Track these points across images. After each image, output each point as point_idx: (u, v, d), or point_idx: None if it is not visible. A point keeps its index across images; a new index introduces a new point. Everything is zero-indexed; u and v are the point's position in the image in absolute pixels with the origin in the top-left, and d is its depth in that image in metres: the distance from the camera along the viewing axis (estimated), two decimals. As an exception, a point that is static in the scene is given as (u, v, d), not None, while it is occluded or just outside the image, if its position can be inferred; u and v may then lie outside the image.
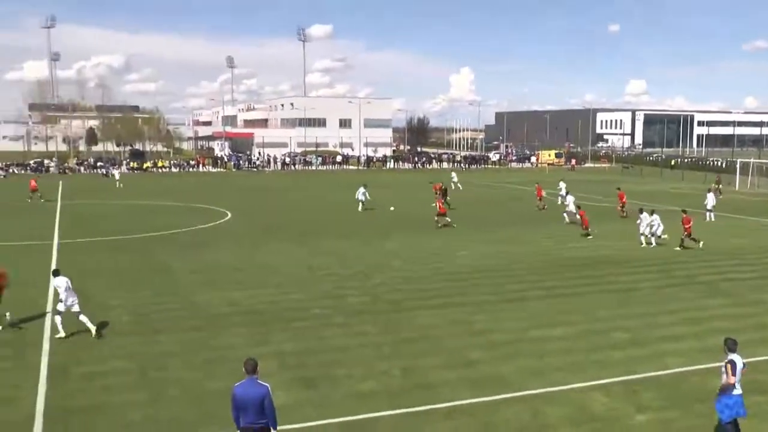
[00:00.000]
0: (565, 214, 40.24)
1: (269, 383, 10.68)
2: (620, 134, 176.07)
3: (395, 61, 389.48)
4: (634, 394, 14.51)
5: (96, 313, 20.62)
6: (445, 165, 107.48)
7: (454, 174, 67.67)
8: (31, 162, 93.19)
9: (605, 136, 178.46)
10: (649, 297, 22.76)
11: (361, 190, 46.37)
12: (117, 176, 70.13)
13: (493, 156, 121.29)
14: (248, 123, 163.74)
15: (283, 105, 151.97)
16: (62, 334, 18.26)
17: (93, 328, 18.40)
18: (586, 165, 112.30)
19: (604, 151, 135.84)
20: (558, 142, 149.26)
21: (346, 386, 14.98)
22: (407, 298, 22.64)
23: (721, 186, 58.11)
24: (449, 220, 38.45)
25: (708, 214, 41.03)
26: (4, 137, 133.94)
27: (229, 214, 44.26)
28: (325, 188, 63.09)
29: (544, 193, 48.38)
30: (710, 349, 16.66)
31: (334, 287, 24.12)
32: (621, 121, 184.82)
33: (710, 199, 41.84)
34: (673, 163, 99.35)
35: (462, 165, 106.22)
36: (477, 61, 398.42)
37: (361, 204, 45.86)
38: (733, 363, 11.44)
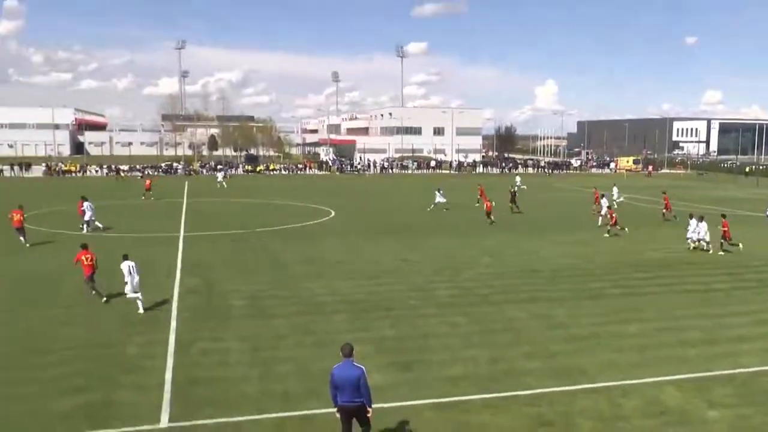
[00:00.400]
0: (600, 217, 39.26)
1: (367, 365, 10.82)
2: (696, 142, 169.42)
3: (485, 75, 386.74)
4: (706, 391, 13.97)
5: (215, 298, 21.39)
6: (530, 170, 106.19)
7: (518, 178, 67.03)
8: (162, 164, 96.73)
9: (681, 144, 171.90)
10: (722, 299, 21.84)
11: (438, 192, 46.66)
12: (220, 178, 71.81)
13: (575, 162, 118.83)
14: (351, 131, 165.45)
15: (382, 115, 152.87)
16: (141, 311, 19.33)
17: (141, 310, 19.41)
18: (662, 171, 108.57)
19: (679, 158, 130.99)
20: (636, 149, 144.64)
21: (438, 370, 14.99)
22: (494, 292, 22.45)
23: None
24: (493, 219, 39.11)
25: None
26: (141, 143, 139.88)
27: (333, 213, 44.86)
28: (419, 190, 63.03)
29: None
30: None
31: (426, 280, 24.13)
32: (697, 129, 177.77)
33: None
34: (747, 170, 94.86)
35: (546, 170, 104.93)
36: (561, 74, 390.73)
37: (433, 205, 45.75)
38: None
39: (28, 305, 20.30)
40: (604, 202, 40.64)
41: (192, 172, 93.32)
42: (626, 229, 35.25)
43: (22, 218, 31.35)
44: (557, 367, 15.32)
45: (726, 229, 29.58)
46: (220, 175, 74.24)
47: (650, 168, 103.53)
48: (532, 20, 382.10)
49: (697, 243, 30.16)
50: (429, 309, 20.21)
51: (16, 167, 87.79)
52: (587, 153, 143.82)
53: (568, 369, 15.17)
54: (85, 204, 35.88)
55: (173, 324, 18.35)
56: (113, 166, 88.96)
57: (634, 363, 15.58)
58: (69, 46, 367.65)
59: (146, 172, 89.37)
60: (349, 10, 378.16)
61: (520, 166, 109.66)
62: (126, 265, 19.73)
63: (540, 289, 22.88)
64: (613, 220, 35.04)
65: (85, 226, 35.37)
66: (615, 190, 52.31)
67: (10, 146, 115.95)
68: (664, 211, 41.76)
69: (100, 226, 35.94)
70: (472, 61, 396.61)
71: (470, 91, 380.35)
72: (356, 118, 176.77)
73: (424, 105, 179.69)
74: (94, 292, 20.64)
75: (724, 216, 30.89)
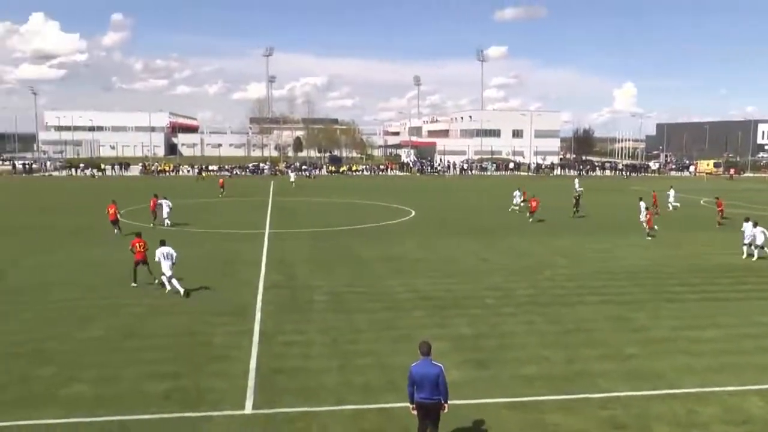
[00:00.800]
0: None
1: (444, 362, 10.79)
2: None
3: (563, 77, 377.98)
4: (796, 400, 13.20)
5: (298, 292, 21.77)
6: (607, 173, 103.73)
7: (576, 181, 65.77)
8: (250, 165, 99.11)
9: (767, 147, 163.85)
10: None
11: (516, 193, 46.46)
12: (292, 177, 72.90)
13: (653, 165, 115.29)
14: (432, 133, 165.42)
15: (462, 117, 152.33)
16: (181, 291, 20.79)
17: (181, 290, 20.79)
18: (746, 175, 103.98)
19: (765, 162, 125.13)
20: (717, 152, 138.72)
21: (513, 369, 14.81)
22: (570, 293, 22.01)
23: None
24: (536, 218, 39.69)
25: None
26: (230, 145, 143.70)
27: (413, 212, 44.95)
28: (497, 191, 62.49)
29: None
30: None
31: (503, 279, 23.91)
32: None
33: None
34: None
35: (624, 173, 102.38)
36: (640, 76, 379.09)
37: (518, 208, 45.08)
38: None
39: (128, 294, 21.23)
40: (642, 205, 39.17)
41: (278, 173, 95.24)
42: (656, 227, 35.08)
43: (116, 212, 33.37)
44: (632, 370, 14.87)
45: None
46: (292, 175, 75.47)
47: (732, 171, 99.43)
48: (611, 23, 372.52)
49: (752, 249, 28.10)
50: (505, 308, 20.00)
51: (116, 166, 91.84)
52: (666, 156, 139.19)
53: (643, 372, 14.70)
54: (162, 201, 37.51)
55: (258, 316, 18.79)
56: (195, 166, 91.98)
57: (714, 369, 14.94)
58: (166, 55, 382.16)
59: (235, 172, 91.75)
60: (431, 16, 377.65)
61: (597, 168, 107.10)
62: (159, 252, 21.18)
63: (616, 291, 22.30)
64: (649, 222, 34.59)
65: (165, 220, 36.93)
66: (672, 192, 50.73)
67: (112, 147, 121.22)
68: (719, 218, 40.01)
69: (168, 223, 36.96)
70: (551, 64, 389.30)
71: (549, 94, 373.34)
72: (437, 120, 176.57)
73: (503, 108, 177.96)
74: (136, 280, 22.19)
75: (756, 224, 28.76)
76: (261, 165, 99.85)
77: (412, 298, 21.18)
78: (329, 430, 11.76)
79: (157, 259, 21.18)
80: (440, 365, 10.45)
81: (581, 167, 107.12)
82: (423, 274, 24.67)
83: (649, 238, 33.72)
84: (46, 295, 21.13)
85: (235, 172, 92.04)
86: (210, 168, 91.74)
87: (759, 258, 27.83)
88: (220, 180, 63.05)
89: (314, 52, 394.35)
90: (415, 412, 10.60)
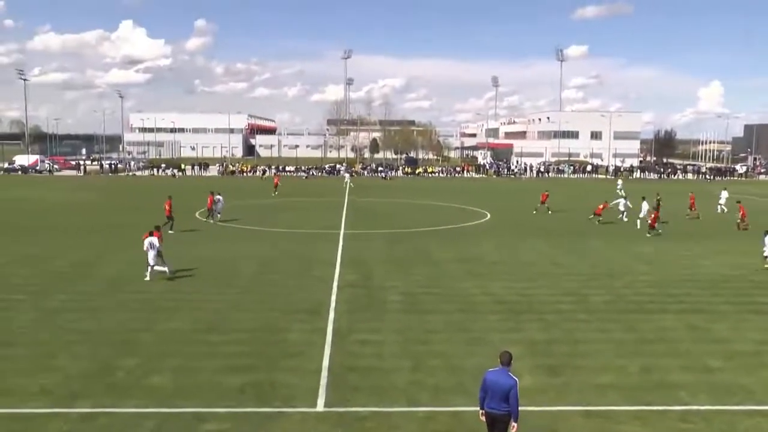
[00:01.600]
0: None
1: (517, 367, 10.62)
2: None
3: (645, 77, 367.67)
4: None
5: (372, 292, 21.94)
6: (689, 176, 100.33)
7: (620, 182, 64.12)
8: (326, 166, 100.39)
9: None
10: None
11: (644, 205, 40.06)
12: (347, 178, 73.15)
13: (740, 168, 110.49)
14: (509, 135, 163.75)
15: (540, 119, 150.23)
16: (167, 270, 22.96)
17: (166, 271, 22.91)
18: None
19: None
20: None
21: (587, 377, 14.49)
22: (649, 300, 21.35)
23: None
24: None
25: None
26: (307, 146, 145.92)
27: (489, 215, 44.61)
28: (573, 194, 61.35)
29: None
30: None
31: (580, 285, 23.41)
32: None
33: None
34: None
35: (707, 176, 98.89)
36: (727, 75, 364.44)
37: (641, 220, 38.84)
38: None
39: (211, 289, 21.96)
40: (645, 205, 38.43)
41: (354, 174, 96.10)
42: (660, 230, 34.89)
43: (171, 207, 35.00)
44: (715, 383, 14.29)
45: None
46: (347, 176, 75.74)
47: None
48: (697, 19, 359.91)
49: None
50: (581, 314, 19.60)
51: (196, 167, 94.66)
52: (755, 158, 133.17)
53: (727, 386, 14.10)
54: (216, 197, 39.42)
55: (332, 315, 19.03)
56: (260, 167, 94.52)
57: (805, 385, 14.23)
58: (246, 58, 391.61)
59: (312, 173, 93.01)
60: (510, 15, 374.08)
61: (679, 171, 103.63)
62: (147, 241, 22.75)
63: (698, 300, 21.50)
64: (653, 222, 34.80)
65: (216, 215, 39.07)
66: (724, 193, 48.82)
67: (192, 148, 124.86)
68: (738, 221, 38.68)
69: (219, 217, 39.05)
70: (633, 63, 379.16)
71: (629, 95, 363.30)
72: (514, 122, 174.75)
73: (581, 108, 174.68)
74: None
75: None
76: (337, 166, 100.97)
77: (486, 301, 21.03)
78: (399, 431, 11.81)
79: (145, 248, 22.74)
80: (515, 379, 10.24)
81: (662, 170, 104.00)
82: (498, 277, 24.46)
83: (649, 236, 33.97)
84: (132, 288, 21.99)
85: (312, 173, 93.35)
86: (265, 169, 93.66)
87: None
88: (275, 179, 63.56)
89: (392, 53, 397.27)
90: (483, 419, 10.44)
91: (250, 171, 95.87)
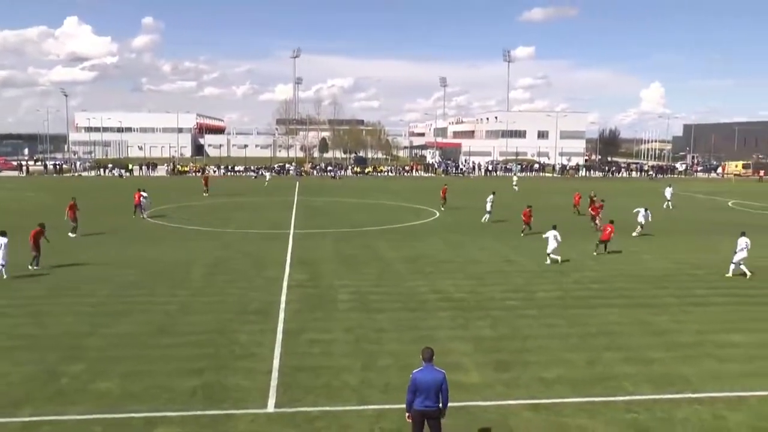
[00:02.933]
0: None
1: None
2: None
3: (590, 79, 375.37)
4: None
5: (322, 291, 21.87)
6: (633, 174, 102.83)
7: (515, 178, 65.63)
8: (275, 166, 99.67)
9: None
10: None
11: (490, 197, 40.72)
12: (268, 177, 72.82)
13: (680, 166, 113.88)
14: (457, 134, 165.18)
15: (488, 119, 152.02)
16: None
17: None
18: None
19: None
20: (746, 153, 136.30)
21: (535, 371, 14.72)
22: (595, 296, 21.84)
23: None
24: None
25: None
26: (256, 146, 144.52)
27: (437, 213, 44.89)
28: (522, 193, 62.16)
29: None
30: None
31: (527, 281, 23.79)
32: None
33: None
34: None
35: (650, 174, 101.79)
36: (668, 77, 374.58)
37: (488, 215, 40.09)
38: None
39: (161, 291, 21.60)
40: (642, 216, 36.15)
41: (303, 173, 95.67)
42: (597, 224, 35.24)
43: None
44: (657, 373, 14.72)
45: None
46: (268, 175, 75.24)
47: (761, 173, 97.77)
48: (639, 24, 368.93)
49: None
50: (529, 310, 19.91)
51: (144, 167, 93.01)
52: (693, 157, 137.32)
53: (668, 376, 14.54)
54: (143, 194, 41.23)
55: (282, 315, 18.91)
56: (201, 167, 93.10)
57: (742, 374, 14.73)
58: (195, 56, 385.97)
59: (261, 173, 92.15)
60: (458, 17, 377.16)
61: (623, 170, 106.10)
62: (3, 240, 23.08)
63: (642, 295, 22.08)
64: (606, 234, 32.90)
65: (142, 213, 40.68)
66: (668, 190, 50.37)
67: (140, 148, 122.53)
68: (593, 222, 37.60)
69: (146, 213, 40.86)
70: (578, 65, 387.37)
71: (575, 95, 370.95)
72: (462, 121, 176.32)
73: (529, 109, 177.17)
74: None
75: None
76: (287, 166, 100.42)
77: (435, 299, 21.17)
78: (350, 430, 11.81)
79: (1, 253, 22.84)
80: (443, 371, 10.34)
81: (607, 168, 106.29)
82: (447, 275, 24.63)
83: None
84: (79, 292, 21.46)
85: (261, 172, 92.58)
86: (207, 168, 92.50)
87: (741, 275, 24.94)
88: (204, 178, 62.05)
89: (341, 53, 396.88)
90: (410, 421, 10.44)
91: (198, 171, 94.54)
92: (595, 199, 40.91)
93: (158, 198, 51.41)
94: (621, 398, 13.31)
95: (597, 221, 36.86)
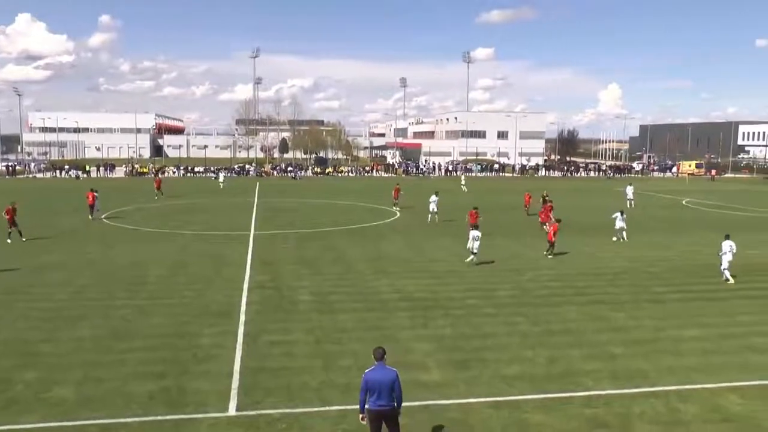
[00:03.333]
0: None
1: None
2: (763, 146, 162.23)
3: (549, 80, 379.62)
4: (773, 398, 13.32)
5: (283, 293, 21.71)
6: (591, 173, 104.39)
7: (463, 177, 66.59)
8: (235, 167, 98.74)
9: (747, 148, 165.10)
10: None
11: (433, 198, 40.39)
12: (221, 178, 72.12)
13: (637, 166, 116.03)
14: (417, 134, 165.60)
15: (448, 119, 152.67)
16: None
17: None
18: (727, 175, 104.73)
19: (745, 162, 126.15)
20: (699, 153, 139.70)
21: (495, 369, 14.83)
22: (554, 293, 22.09)
23: None
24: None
25: None
26: (216, 146, 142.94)
27: (398, 213, 44.92)
28: (482, 192, 62.59)
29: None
30: None
31: (487, 280, 23.93)
32: (764, 133, 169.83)
33: None
34: None
35: (607, 174, 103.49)
36: (625, 78, 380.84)
37: (432, 215, 39.95)
38: None
39: (118, 295, 21.15)
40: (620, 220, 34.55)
41: (263, 174, 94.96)
42: (545, 226, 33.44)
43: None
44: (615, 369, 14.96)
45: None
46: (221, 176, 74.57)
47: (714, 172, 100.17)
48: (597, 25, 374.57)
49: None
50: (488, 308, 20.03)
51: (101, 168, 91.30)
52: (649, 157, 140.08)
53: (626, 372, 14.80)
54: (95, 195, 40.91)
55: (242, 317, 18.72)
56: (157, 169, 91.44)
57: (696, 368, 15.07)
58: (154, 56, 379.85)
59: (158, 172, 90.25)
60: (418, 18, 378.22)
61: (582, 169, 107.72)
62: None
63: (600, 292, 22.41)
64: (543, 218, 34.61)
65: (96, 212, 40.48)
66: (629, 189, 51.37)
67: (97, 149, 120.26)
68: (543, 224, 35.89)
69: (99, 213, 40.78)
70: (537, 67, 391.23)
71: (534, 96, 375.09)
72: (422, 122, 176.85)
73: (488, 109, 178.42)
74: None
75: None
76: (247, 166, 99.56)
77: (396, 298, 21.17)
78: (311, 431, 11.72)
79: None
80: (395, 370, 10.33)
81: (566, 168, 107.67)
82: (407, 275, 24.65)
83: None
84: (32, 296, 20.94)
85: (220, 173, 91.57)
86: (162, 169, 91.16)
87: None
88: (157, 180, 59.42)
89: (301, 53, 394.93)
90: (365, 422, 10.42)
91: (158, 172, 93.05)
92: (547, 198, 41.43)
93: (117, 199, 50.77)
94: (580, 394, 13.48)
95: (548, 222, 36.23)
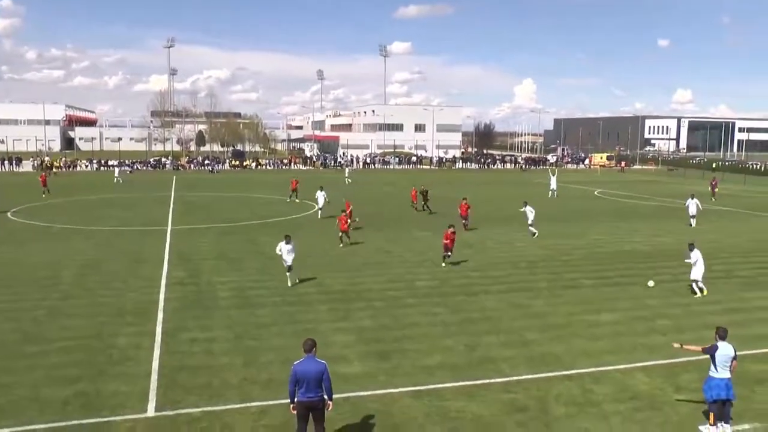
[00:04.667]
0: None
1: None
2: (666, 139, 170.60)
3: (466, 74, 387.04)
4: (674, 376, 14.10)
5: (202, 289, 21.29)
6: (508, 166, 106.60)
7: (347, 169, 68.67)
8: (151, 160, 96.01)
9: (653, 141, 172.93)
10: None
11: (320, 192, 39.83)
12: (117, 173, 70.50)
13: (551, 158, 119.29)
14: (335, 127, 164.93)
15: (365, 112, 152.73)
16: None
17: None
18: (635, 167, 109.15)
19: (651, 155, 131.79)
20: (610, 146, 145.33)
21: (416, 359, 15.01)
22: (473, 283, 22.50)
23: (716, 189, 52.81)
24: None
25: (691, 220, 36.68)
26: (130, 139, 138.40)
27: (317, 206, 44.54)
28: (400, 185, 63.02)
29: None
30: (748, 337, 16.24)
31: (406, 272, 24.14)
32: (667, 127, 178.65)
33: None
34: (714, 165, 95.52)
35: (523, 166, 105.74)
36: (539, 73, 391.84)
37: (320, 210, 39.26)
38: (713, 348, 11.36)
39: (29, 296, 20.24)
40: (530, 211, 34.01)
41: (180, 167, 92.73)
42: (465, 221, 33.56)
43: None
44: (532, 354, 15.40)
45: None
46: (117, 171, 73.00)
47: (623, 164, 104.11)
48: (512, 22, 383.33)
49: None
50: (408, 299, 20.22)
51: (6, 162, 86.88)
52: (563, 149, 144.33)
53: (543, 356, 15.26)
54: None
55: (160, 315, 18.26)
56: (43, 162, 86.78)
57: (607, 350, 15.71)
58: (62, 44, 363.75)
59: (136, 167, 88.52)
60: (336, 11, 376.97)
61: (498, 162, 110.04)
62: None
63: (518, 280, 22.98)
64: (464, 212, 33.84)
65: None
66: (553, 179, 53.03)
67: (2, 142, 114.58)
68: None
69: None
70: (454, 61, 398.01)
71: (451, 90, 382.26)
72: (340, 115, 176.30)
73: (406, 103, 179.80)
74: None
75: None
76: (163, 159, 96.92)
77: (315, 291, 21.11)
78: (233, 429, 11.56)
79: None
80: (324, 362, 10.34)
81: (482, 161, 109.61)
82: (327, 268, 24.59)
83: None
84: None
85: (136, 167, 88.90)
86: (108, 162, 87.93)
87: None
88: (41, 176, 54.50)
89: (217, 45, 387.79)
90: (294, 412, 10.41)
91: (69, 167, 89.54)
92: (424, 190, 42.71)
93: (25, 194, 48.54)
94: (499, 380, 13.83)
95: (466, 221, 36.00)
